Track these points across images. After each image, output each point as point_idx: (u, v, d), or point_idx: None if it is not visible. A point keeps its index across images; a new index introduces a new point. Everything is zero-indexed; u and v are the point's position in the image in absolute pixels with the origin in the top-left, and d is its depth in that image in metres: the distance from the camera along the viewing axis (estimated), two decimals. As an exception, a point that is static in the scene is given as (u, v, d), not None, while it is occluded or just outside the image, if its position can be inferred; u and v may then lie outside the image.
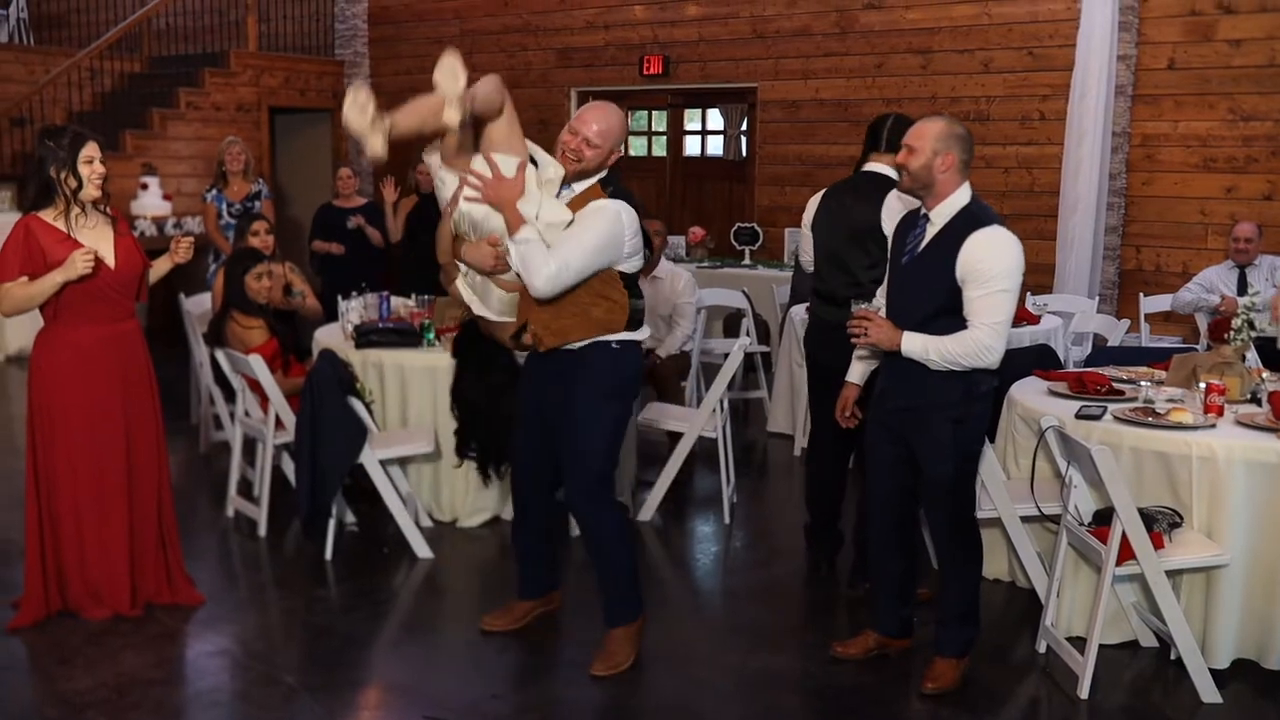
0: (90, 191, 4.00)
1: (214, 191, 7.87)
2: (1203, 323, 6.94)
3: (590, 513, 3.84)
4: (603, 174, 3.76)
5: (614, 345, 3.74)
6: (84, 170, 3.97)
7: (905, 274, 3.66)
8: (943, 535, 3.75)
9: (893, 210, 4.26)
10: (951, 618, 3.74)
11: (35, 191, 4.01)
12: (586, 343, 3.72)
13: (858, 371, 3.99)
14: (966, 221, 3.51)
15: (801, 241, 4.90)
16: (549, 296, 3.62)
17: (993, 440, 4.37)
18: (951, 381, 3.54)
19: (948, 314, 3.52)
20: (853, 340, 3.67)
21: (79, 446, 4.08)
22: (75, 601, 4.18)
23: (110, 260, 4.03)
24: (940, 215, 3.56)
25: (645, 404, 5.91)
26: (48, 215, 3.99)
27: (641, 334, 3.83)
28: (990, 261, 3.45)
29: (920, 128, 3.59)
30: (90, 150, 3.99)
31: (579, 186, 3.74)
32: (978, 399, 3.60)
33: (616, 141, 3.72)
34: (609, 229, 3.65)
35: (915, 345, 3.52)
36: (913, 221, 3.70)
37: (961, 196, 3.56)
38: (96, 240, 4.02)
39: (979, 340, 3.46)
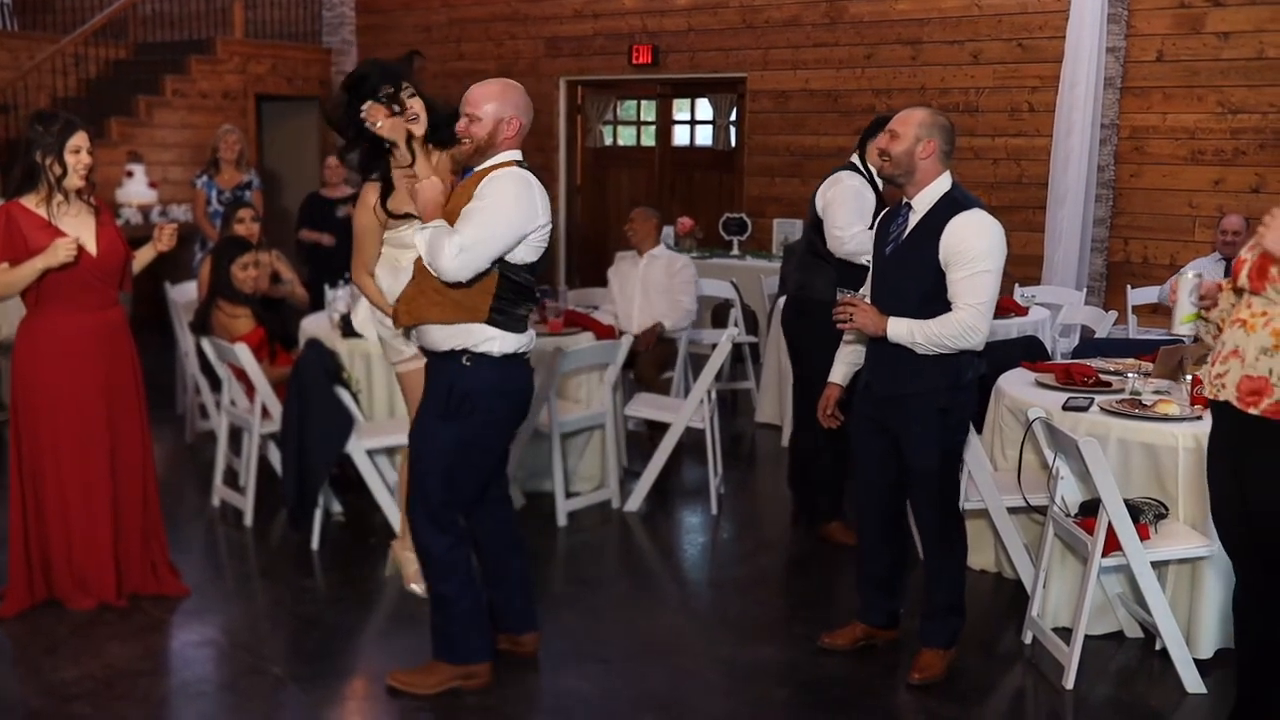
0: (74, 181, 3.98)
1: (204, 178, 7.82)
2: (1190, 315, 6.95)
3: (415, 532, 3.59)
4: (516, 154, 3.47)
5: (465, 361, 3.43)
6: (70, 159, 3.95)
7: (889, 263, 3.69)
8: (929, 526, 3.76)
9: (822, 189, 4.80)
10: (938, 609, 3.75)
11: (20, 176, 3.99)
12: (443, 349, 3.46)
13: (840, 372, 3.99)
14: (948, 206, 3.56)
15: None
16: (458, 277, 3.33)
17: (980, 431, 4.38)
18: (936, 370, 3.55)
19: (932, 301, 3.54)
20: (839, 326, 3.68)
21: (63, 434, 4.06)
22: (61, 591, 4.17)
23: (92, 248, 4.01)
24: (922, 202, 3.61)
25: (632, 395, 5.92)
26: (29, 202, 3.97)
27: (510, 346, 3.47)
28: (972, 242, 3.49)
29: (905, 114, 3.65)
30: (79, 140, 3.97)
31: (485, 166, 3.44)
32: (963, 388, 3.63)
33: (501, 108, 3.39)
34: (514, 190, 3.35)
35: (901, 329, 3.54)
36: (895, 212, 3.73)
37: (943, 184, 3.61)
38: (78, 228, 3.99)
39: (963, 321, 3.48)
